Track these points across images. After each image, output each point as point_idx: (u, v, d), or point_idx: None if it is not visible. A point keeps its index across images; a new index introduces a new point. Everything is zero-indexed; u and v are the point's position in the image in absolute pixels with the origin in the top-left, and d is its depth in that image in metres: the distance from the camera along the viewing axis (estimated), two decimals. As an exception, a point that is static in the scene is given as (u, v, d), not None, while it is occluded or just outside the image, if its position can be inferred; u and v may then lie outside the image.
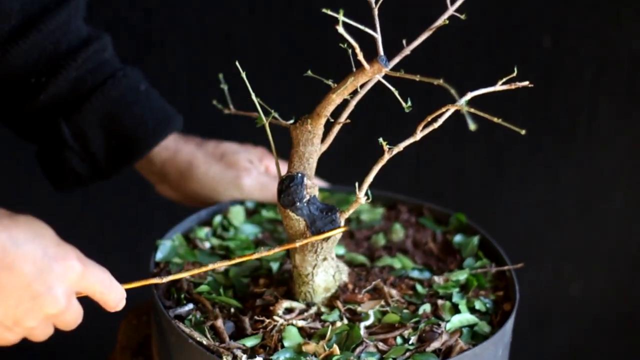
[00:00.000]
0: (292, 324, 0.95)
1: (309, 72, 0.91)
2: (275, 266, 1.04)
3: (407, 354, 0.93)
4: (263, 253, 0.95)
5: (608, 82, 1.71)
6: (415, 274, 1.06)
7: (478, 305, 1.00)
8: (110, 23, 1.64)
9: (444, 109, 0.85)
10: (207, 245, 1.09)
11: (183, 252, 1.07)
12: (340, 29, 0.77)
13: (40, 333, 0.87)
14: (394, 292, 1.01)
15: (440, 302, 1.00)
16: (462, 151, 1.78)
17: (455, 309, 1.00)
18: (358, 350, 0.92)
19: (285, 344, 0.92)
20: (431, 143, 1.81)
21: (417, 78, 0.80)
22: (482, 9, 1.65)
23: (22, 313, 0.84)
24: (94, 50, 1.14)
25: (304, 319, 0.96)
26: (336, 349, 0.91)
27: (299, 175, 0.91)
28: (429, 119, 0.86)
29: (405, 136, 0.89)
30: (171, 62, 1.70)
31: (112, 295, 0.90)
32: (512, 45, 1.68)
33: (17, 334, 0.87)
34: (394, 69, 0.84)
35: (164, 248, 1.06)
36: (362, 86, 0.88)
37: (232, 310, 0.98)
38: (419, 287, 1.03)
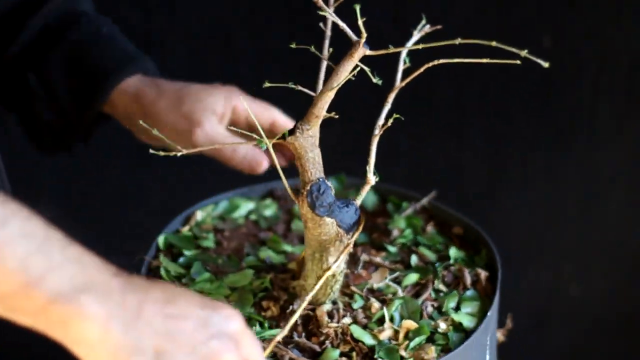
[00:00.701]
0: (347, 324, 0.93)
1: (267, 83, 0.91)
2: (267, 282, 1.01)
3: (457, 298, 0.96)
4: (327, 274, 0.92)
5: (608, 82, 1.71)
6: (361, 238, 1.06)
7: (439, 239, 1.04)
8: (110, 23, 1.64)
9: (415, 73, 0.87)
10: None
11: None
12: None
13: None
14: (378, 259, 1.02)
15: (415, 248, 1.03)
16: (462, 151, 1.78)
17: (434, 249, 1.03)
18: (425, 316, 0.94)
19: (366, 341, 0.91)
20: (430, 142, 1.81)
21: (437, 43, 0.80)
22: (482, 9, 1.65)
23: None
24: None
25: (343, 316, 0.95)
26: (412, 323, 0.92)
27: (322, 180, 0.90)
28: (402, 84, 0.88)
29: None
30: (171, 62, 1.70)
31: None
32: (512, 45, 1.68)
33: None
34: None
35: None
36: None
37: (280, 338, 0.93)
38: (389, 247, 1.04)
